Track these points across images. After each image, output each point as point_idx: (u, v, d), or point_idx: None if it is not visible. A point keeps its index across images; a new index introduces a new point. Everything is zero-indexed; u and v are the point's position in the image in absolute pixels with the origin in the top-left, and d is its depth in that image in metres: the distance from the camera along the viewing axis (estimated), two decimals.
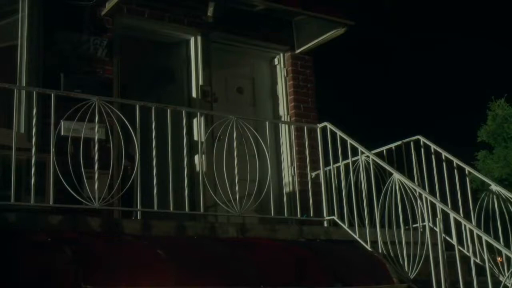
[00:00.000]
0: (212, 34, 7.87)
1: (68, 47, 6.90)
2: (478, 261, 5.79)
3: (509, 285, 5.09)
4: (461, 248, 5.79)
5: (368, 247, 5.92)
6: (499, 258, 6.20)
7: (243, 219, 6.45)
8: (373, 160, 6.10)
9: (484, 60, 11.71)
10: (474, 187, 7.53)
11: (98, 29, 7.12)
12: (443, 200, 6.71)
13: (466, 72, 11.51)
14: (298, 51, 8.29)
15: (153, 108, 5.81)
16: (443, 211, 5.65)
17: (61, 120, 5.87)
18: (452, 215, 5.45)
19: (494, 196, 6.39)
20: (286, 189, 7.19)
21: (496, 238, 6.27)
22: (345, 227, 6.17)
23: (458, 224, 5.58)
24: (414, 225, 5.95)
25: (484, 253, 5.33)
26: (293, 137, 7.84)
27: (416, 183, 6.87)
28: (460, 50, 11.72)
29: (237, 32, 8.01)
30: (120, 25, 7.30)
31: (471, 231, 5.45)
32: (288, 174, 7.73)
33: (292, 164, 7.77)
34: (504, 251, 5.33)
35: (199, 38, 7.81)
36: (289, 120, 8.02)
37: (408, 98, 10.70)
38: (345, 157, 6.51)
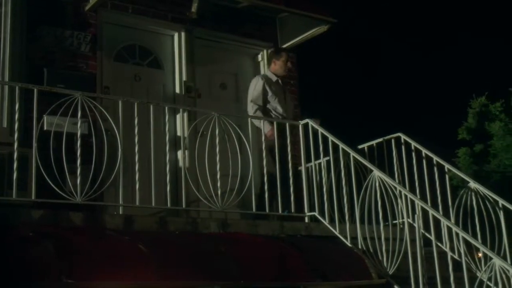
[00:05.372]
0: (196, 30, 7.91)
1: (51, 41, 6.91)
2: (456, 257, 5.89)
3: (485, 280, 5.18)
4: (439, 244, 5.88)
5: (348, 243, 5.99)
6: (479, 254, 6.30)
7: (225, 214, 6.51)
8: (353, 157, 6.18)
9: (466, 57, 11.84)
10: (454, 184, 7.63)
11: (81, 24, 7.14)
12: (423, 197, 6.81)
13: (448, 70, 11.63)
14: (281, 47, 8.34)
15: (135, 104, 5.84)
16: (422, 207, 5.75)
17: (44, 115, 5.89)
18: (430, 212, 5.54)
19: (473, 193, 6.48)
20: (268, 185, 7.24)
21: (474, 234, 6.38)
22: (326, 223, 6.24)
23: (437, 220, 5.67)
24: (394, 222, 6.03)
25: (462, 249, 5.41)
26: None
27: (397, 180, 6.97)
28: (443, 48, 11.84)
29: (221, 28, 8.05)
30: (103, 21, 7.32)
31: (449, 228, 5.53)
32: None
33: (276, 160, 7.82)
34: (480, 247, 5.43)
35: (183, 34, 7.85)
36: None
37: (392, 95, 10.80)
38: (327, 153, 6.59)
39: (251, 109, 7.27)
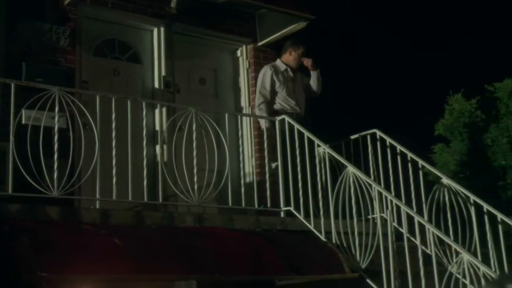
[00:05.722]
0: (175, 25, 7.95)
1: (30, 35, 6.92)
2: (428, 251, 6.00)
3: (454, 273, 5.30)
4: (412, 238, 6.00)
5: (323, 238, 6.09)
6: (456, 248, 6.41)
7: (203, 209, 6.59)
8: (329, 153, 6.27)
9: (443, 54, 11.98)
10: (431, 180, 7.75)
11: (61, 18, 7.16)
12: (398, 192, 6.93)
13: (426, 66, 11.75)
14: (260, 43, 8.41)
15: (113, 99, 5.89)
16: (395, 203, 5.86)
17: (22, 109, 5.92)
18: (402, 207, 5.65)
19: (445, 189, 6.61)
20: (245, 180, 7.32)
21: (447, 229, 6.52)
22: (301, 217, 6.33)
23: (410, 215, 5.78)
24: (372, 216, 6.13)
25: (432, 244, 5.53)
26: (253, 129, 7.98)
27: (373, 176, 7.09)
28: (421, 44, 11.96)
29: (200, 24, 8.10)
30: (82, 15, 7.35)
31: (421, 223, 5.65)
32: (249, 165, 7.89)
33: (252, 155, 7.92)
34: (449, 241, 5.55)
35: (162, 29, 7.89)
36: (250, 111, 8.15)
37: (371, 91, 10.89)
38: (303, 149, 6.68)
39: (257, 100, 7.37)
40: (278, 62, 7.65)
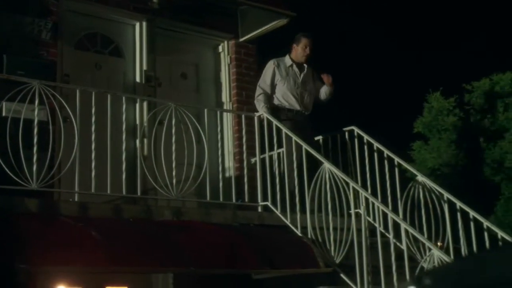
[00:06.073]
0: (158, 20, 7.99)
1: (12, 28, 6.95)
2: (403, 247, 6.12)
3: (425, 268, 5.43)
4: (387, 234, 6.13)
5: (298, 232, 6.19)
6: (439, 243, 6.55)
7: (183, 203, 6.67)
8: (305, 149, 6.37)
9: (424, 53, 12.12)
10: (409, 176, 7.87)
11: (43, 11, 7.18)
12: (375, 189, 7.05)
13: (408, 65, 11.89)
14: (242, 39, 8.47)
15: (93, 93, 5.95)
16: (372, 201, 5.98)
17: (3, 101, 5.96)
18: (376, 204, 5.77)
19: (420, 186, 6.73)
20: (224, 175, 7.41)
21: (421, 225, 6.65)
22: (278, 212, 6.43)
23: (385, 212, 5.90)
24: (347, 212, 6.23)
25: (404, 239, 5.64)
26: (233, 124, 8.06)
27: (351, 172, 7.20)
28: (403, 44, 12.09)
29: (182, 19, 8.14)
30: (65, 8, 7.38)
31: (394, 219, 5.76)
32: (229, 160, 7.98)
33: (232, 150, 8.01)
34: (421, 238, 5.67)
35: (144, 23, 7.93)
36: (231, 107, 8.23)
37: (352, 88, 11.01)
38: (284, 144, 6.79)
39: (256, 92, 7.34)
40: (286, 57, 7.54)
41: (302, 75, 7.47)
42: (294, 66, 7.46)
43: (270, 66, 7.44)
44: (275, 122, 6.65)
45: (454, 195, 6.73)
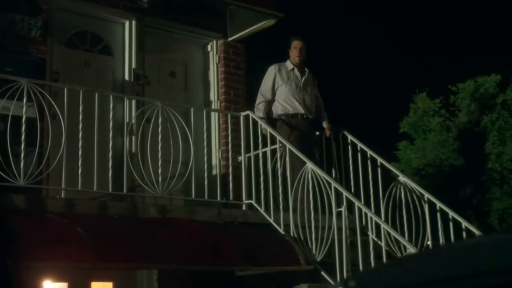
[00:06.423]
0: (147, 19, 8.09)
1: (1, 26, 7.03)
2: (384, 245, 6.24)
3: None
4: (369, 233, 6.27)
5: (281, 231, 6.32)
6: (429, 242, 6.67)
7: (170, 201, 6.79)
8: (289, 149, 6.49)
9: (411, 53, 12.24)
10: (394, 176, 7.99)
11: (33, 9, 7.27)
12: (357, 189, 7.18)
13: (395, 65, 12.00)
14: (230, 39, 8.57)
15: (81, 92, 6.05)
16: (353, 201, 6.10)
17: None
18: (356, 204, 5.90)
19: (402, 187, 6.86)
20: (210, 173, 7.52)
21: (402, 224, 6.78)
22: (262, 211, 6.54)
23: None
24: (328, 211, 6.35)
25: (383, 238, 5.77)
26: (220, 123, 8.17)
27: (335, 172, 7.32)
28: (389, 44, 12.19)
29: (171, 18, 8.24)
30: (55, 6, 7.47)
31: (375, 218, 5.89)
32: (216, 158, 8.09)
33: (219, 148, 8.12)
34: (399, 238, 5.80)
35: (134, 22, 8.03)
36: (219, 105, 8.34)
37: (339, 88, 11.12)
38: (267, 144, 6.91)
39: (256, 100, 7.31)
40: (287, 62, 7.55)
41: (303, 79, 7.47)
42: (296, 70, 7.47)
43: (271, 70, 7.45)
44: (260, 122, 6.76)
45: (438, 195, 6.87)
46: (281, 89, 7.33)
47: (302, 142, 7.00)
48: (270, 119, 7.25)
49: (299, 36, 7.68)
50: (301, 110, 7.28)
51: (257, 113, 7.18)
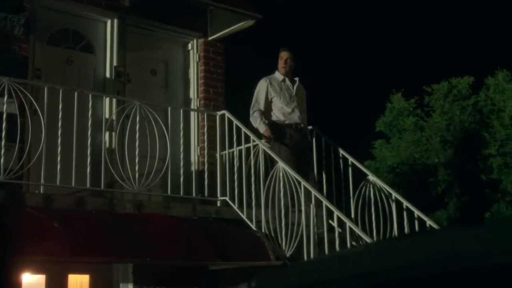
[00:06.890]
0: (129, 18, 8.26)
1: None
2: (353, 241, 6.49)
3: None
4: (339, 230, 6.50)
5: (253, 227, 6.55)
6: None
7: (148, 197, 7.01)
8: (262, 148, 6.72)
9: (386, 55, 12.47)
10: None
11: (16, 7, 7.43)
12: (330, 188, 7.42)
13: (371, 65, 12.23)
14: (210, 38, 8.77)
15: (60, 90, 6.25)
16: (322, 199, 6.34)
17: None
18: (324, 202, 6.14)
19: (371, 185, 7.11)
20: (186, 170, 7.74)
21: (370, 222, 7.03)
22: (235, 207, 6.78)
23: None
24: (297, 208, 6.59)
25: (348, 235, 6.02)
26: (199, 120, 8.39)
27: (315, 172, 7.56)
28: (366, 44, 12.43)
29: (153, 17, 8.42)
30: (38, 4, 7.64)
31: (341, 215, 6.14)
32: (194, 156, 8.31)
33: (198, 145, 8.34)
34: (361, 235, 6.04)
35: (115, 21, 8.21)
36: (199, 103, 8.55)
37: (317, 88, 11.36)
38: (240, 143, 7.13)
39: (251, 110, 7.32)
40: (276, 73, 7.57)
41: (295, 88, 7.53)
42: (287, 80, 7.52)
43: (263, 85, 7.44)
44: (235, 122, 6.99)
45: (411, 192, 7.15)
46: (275, 100, 7.35)
47: (296, 153, 7.07)
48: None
49: (285, 46, 7.71)
50: (296, 119, 7.34)
51: (254, 121, 7.22)
